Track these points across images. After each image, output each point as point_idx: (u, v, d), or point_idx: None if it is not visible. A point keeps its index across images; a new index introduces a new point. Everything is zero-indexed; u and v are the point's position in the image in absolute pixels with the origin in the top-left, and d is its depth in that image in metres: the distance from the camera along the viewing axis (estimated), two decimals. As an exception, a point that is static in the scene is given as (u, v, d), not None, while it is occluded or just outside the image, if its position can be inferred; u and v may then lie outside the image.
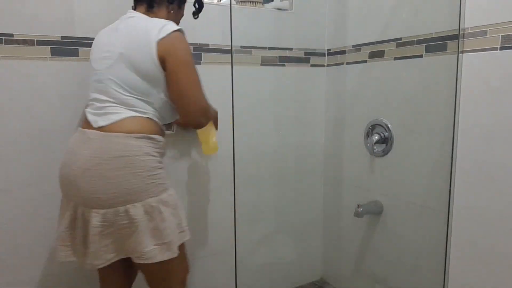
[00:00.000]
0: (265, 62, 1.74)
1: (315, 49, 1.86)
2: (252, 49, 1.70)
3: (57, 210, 1.45)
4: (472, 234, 1.28)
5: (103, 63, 1.11)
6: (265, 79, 1.76)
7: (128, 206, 1.02)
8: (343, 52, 1.78)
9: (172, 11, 1.22)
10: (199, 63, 1.58)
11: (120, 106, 1.09)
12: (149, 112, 1.12)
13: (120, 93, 1.09)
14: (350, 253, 1.85)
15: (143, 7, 1.17)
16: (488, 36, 1.19)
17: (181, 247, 1.16)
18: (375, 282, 1.72)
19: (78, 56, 1.37)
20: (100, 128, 1.07)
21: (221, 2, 1.77)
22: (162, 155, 1.15)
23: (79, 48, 1.37)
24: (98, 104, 1.11)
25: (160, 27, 1.08)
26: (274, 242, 1.90)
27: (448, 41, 1.32)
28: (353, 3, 1.72)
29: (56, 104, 1.36)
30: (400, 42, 1.49)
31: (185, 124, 1.25)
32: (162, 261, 1.07)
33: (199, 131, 1.41)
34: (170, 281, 1.19)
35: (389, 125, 1.57)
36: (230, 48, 1.60)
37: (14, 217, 1.35)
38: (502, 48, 1.15)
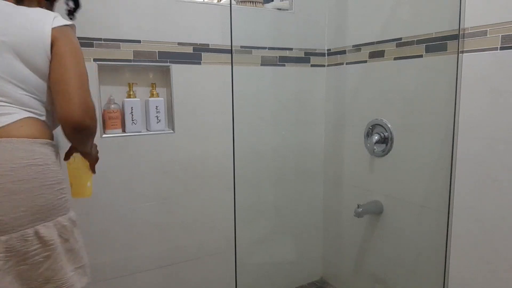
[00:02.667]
0: (265, 62, 1.74)
1: (315, 49, 1.86)
2: (252, 49, 1.70)
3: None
4: (472, 234, 1.28)
5: None
6: (265, 79, 1.76)
7: (38, 226, 0.83)
8: (343, 52, 1.78)
9: (43, 7, 1.03)
10: (199, 63, 1.58)
11: (13, 105, 0.89)
12: (44, 114, 0.94)
13: (13, 90, 0.89)
14: (350, 253, 1.85)
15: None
16: (488, 36, 1.19)
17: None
18: (375, 282, 1.72)
19: (78, 56, 1.37)
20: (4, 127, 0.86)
21: (221, 2, 1.77)
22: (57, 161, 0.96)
23: (79, 48, 1.37)
24: None
25: (53, 16, 0.94)
26: (274, 242, 1.90)
27: (448, 41, 1.32)
28: (353, 3, 1.72)
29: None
30: (400, 42, 1.49)
31: (64, 123, 0.90)
32: None
33: (71, 168, 1.09)
34: None
35: (389, 125, 1.57)
36: (230, 48, 1.60)
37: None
38: (502, 48, 1.15)
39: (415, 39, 1.43)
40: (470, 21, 1.23)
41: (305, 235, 1.99)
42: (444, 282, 1.37)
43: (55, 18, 0.93)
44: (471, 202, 1.27)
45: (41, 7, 1.01)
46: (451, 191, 1.32)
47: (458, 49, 1.26)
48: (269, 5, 1.77)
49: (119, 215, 1.51)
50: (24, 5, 0.97)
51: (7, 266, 0.81)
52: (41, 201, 0.84)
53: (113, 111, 1.47)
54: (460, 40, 1.25)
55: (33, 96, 0.92)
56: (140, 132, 1.53)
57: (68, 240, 0.90)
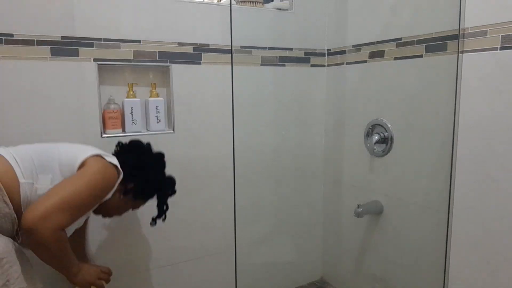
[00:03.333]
0: (265, 62, 1.74)
1: (315, 49, 1.86)
2: (252, 49, 1.70)
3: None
4: (472, 234, 1.28)
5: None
6: (265, 79, 1.76)
7: None
8: (343, 52, 1.78)
9: (119, 191, 1.16)
10: (199, 63, 1.58)
11: (9, 149, 1.02)
12: (26, 179, 0.97)
13: (24, 150, 1.04)
14: (350, 253, 1.85)
15: None
16: (488, 36, 1.19)
17: None
18: (375, 282, 1.72)
19: (78, 56, 1.37)
20: None
21: (221, 2, 1.77)
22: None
23: (79, 48, 1.37)
24: None
25: (103, 152, 1.09)
26: (274, 242, 1.90)
27: (448, 41, 1.32)
28: (353, 3, 1.72)
29: (56, 104, 1.36)
30: (400, 42, 1.49)
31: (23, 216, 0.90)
32: None
33: None
34: None
35: (389, 125, 1.57)
36: (230, 48, 1.60)
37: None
38: (502, 48, 1.15)
39: (415, 39, 1.43)
40: (470, 21, 1.23)
41: (305, 235, 1.99)
42: (444, 282, 1.37)
43: (106, 154, 1.09)
44: (471, 202, 1.27)
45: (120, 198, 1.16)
46: (451, 191, 1.32)
47: (458, 49, 1.26)
48: (269, 5, 1.77)
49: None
50: None
51: None
52: None
53: (113, 111, 1.47)
54: (460, 40, 1.25)
55: (34, 164, 1.00)
56: (140, 132, 1.53)
57: None
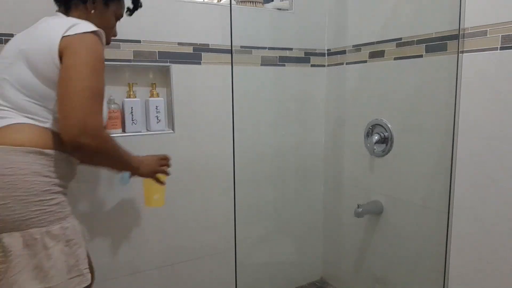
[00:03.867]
0: (265, 62, 1.74)
1: (315, 49, 1.86)
2: (252, 49, 1.70)
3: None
4: (472, 234, 1.28)
5: (2, 62, 0.95)
6: (265, 79, 1.76)
7: (3, 234, 0.83)
8: (343, 52, 1.78)
9: (93, 11, 1.04)
10: (199, 63, 1.58)
11: (13, 110, 0.91)
12: (50, 121, 0.92)
13: (15, 95, 0.91)
14: (350, 253, 1.85)
15: (62, 8, 1.04)
16: (488, 36, 1.19)
17: None
18: (375, 282, 1.72)
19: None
20: None
21: (221, 2, 1.77)
22: (62, 176, 0.93)
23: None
24: None
25: (69, 25, 0.91)
26: (274, 242, 1.90)
27: (448, 41, 1.32)
28: (353, 3, 1.72)
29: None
30: (400, 42, 1.49)
31: (63, 139, 0.86)
32: None
33: (144, 182, 1.20)
34: None
35: (389, 125, 1.57)
36: (230, 48, 1.60)
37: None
38: (502, 48, 1.15)
39: (415, 39, 1.43)
40: (470, 21, 1.23)
41: (305, 235, 1.99)
42: (444, 282, 1.37)
43: (73, 27, 0.90)
44: (471, 202, 1.27)
45: (89, 11, 1.04)
46: (451, 191, 1.32)
47: (458, 49, 1.26)
48: (269, 5, 1.77)
49: (120, 215, 1.51)
50: (73, 16, 1.01)
51: None
52: (5, 212, 0.83)
53: (113, 111, 1.47)
54: (460, 40, 1.25)
55: (37, 103, 0.91)
56: (140, 132, 1.53)
57: (37, 255, 0.85)
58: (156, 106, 1.55)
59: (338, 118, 1.85)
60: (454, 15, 1.26)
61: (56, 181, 0.91)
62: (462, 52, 1.26)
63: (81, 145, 0.85)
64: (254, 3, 1.71)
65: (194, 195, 1.64)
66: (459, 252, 1.32)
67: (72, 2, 1.02)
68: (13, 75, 0.91)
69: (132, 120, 1.51)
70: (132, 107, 1.50)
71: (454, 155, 1.30)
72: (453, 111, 1.29)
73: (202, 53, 1.58)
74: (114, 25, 1.14)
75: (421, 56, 1.42)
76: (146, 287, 1.61)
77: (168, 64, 1.53)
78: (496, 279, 1.23)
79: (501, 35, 1.15)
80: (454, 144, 1.30)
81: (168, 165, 1.25)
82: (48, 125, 0.92)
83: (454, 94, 1.28)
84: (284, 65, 1.78)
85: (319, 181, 1.98)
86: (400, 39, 1.49)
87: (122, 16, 1.16)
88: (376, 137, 1.58)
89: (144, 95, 1.56)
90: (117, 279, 1.54)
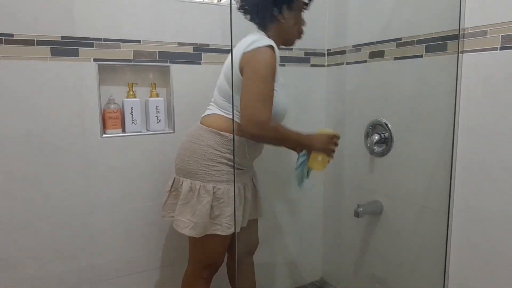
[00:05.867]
0: (265, 62, 1.73)
1: (315, 49, 1.86)
2: (252, 49, 1.70)
3: (58, 209, 1.45)
4: (472, 234, 1.28)
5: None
6: (265, 79, 1.76)
7: (183, 179, 1.27)
8: (343, 52, 1.78)
9: (283, 20, 1.27)
10: (199, 63, 1.58)
11: (215, 105, 1.30)
12: (235, 114, 1.24)
13: (217, 95, 1.30)
14: (350, 253, 1.84)
15: (260, 27, 1.30)
16: (488, 36, 1.19)
17: (211, 240, 1.27)
18: (375, 282, 1.72)
19: (78, 56, 1.37)
20: (201, 118, 1.33)
21: (221, 2, 1.77)
22: (240, 153, 1.26)
23: (79, 48, 1.37)
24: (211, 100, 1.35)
25: (249, 42, 1.19)
26: (274, 242, 1.90)
27: (448, 41, 1.31)
28: (353, 3, 1.72)
29: (56, 104, 1.36)
30: (400, 42, 1.49)
31: (241, 128, 1.21)
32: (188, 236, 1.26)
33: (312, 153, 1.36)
34: (192, 254, 1.36)
35: (389, 125, 1.57)
36: (230, 48, 1.60)
37: (15, 217, 1.35)
38: (502, 48, 1.15)
39: (415, 39, 1.43)
40: (470, 21, 1.23)
41: (305, 235, 1.99)
42: (444, 282, 1.37)
43: (252, 44, 1.19)
44: (471, 202, 1.27)
45: (274, 23, 1.28)
46: (451, 191, 1.32)
47: (458, 49, 1.26)
48: (269, 5, 1.77)
49: (119, 215, 1.51)
50: (270, 28, 1.28)
51: (172, 194, 1.33)
52: (185, 164, 1.26)
53: (113, 111, 1.47)
54: (460, 40, 1.25)
55: (227, 101, 1.25)
56: (140, 132, 1.53)
57: (192, 197, 1.23)
58: (156, 106, 1.55)
59: (338, 118, 1.85)
60: (454, 15, 1.26)
61: (225, 155, 1.24)
62: (462, 52, 1.26)
63: (252, 134, 1.20)
64: (254, 3, 1.71)
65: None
66: (459, 252, 1.32)
67: (265, 20, 1.28)
68: (218, 80, 1.31)
69: (132, 120, 1.51)
70: (132, 107, 1.50)
71: (454, 155, 1.30)
72: (453, 111, 1.29)
73: (202, 53, 1.58)
74: (300, 18, 1.33)
75: (421, 56, 1.42)
76: (146, 287, 1.61)
77: (168, 64, 1.53)
78: (496, 279, 1.23)
79: (501, 35, 1.15)
80: (454, 144, 1.30)
81: (337, 144, 1.37)
82: (231, 116, 1.24)
83: (454, 94, 1.28)
84: (284, 65, 1.78)
85: (319, 181, 1.98)
86: (400, 39, 1.49)
87: (305, 7, 1.33)
88: (376, 137, 1.58)
89: (144, 95, 1.56)
90: (117, 279, 1.54)
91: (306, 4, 1.33)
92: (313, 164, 1.36)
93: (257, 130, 1.18)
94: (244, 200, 1.33)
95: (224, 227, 1.25)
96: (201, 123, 1.30)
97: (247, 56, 1.18)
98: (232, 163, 1.25)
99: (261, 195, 1.48)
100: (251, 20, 1.31)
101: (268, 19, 1.27)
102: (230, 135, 1.23)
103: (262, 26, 1.29)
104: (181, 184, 1.27)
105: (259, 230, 1.58)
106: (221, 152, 1.24)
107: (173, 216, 1.30)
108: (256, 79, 1.16)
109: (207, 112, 1.32)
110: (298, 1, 1.30)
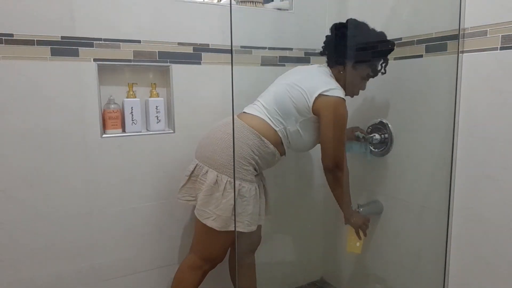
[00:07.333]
0: (265, 62, 1.73)
1: (315, 49, 1.86)
2: (252, 49, 1.70)
3: (58, 209, 1.45)
4: (472, 234, 1.28)
5: (280, 78, 1.48)
6: (265, 79, 1.75)
7: (208, 168, 1.30)
8: (343, 52, 1.78)
9: (341, 72, 1.42)
10: (199, 63, 1.58)
11: (262, 109, 1.38)
12: (279, 127, 1.36)
13: (270, 104, 1.38)
14: (350, 253, 1.84)
15: (329, 62, 1.47)
16: (488, 36, 1.19)
17: (227, 236, 1.32)
18: (375, 282, 1.72)
19: (78, 56, 1.37)
20: (241, 113, 1.41)
21: (221, 2, 1.77)
22: (262, 158, 1.35)
23: (79, 48, 1.37)
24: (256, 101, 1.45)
25: (328, 87, 1.32)
26: (274, 242, 1.90)
27: (448, 41, 1.32)
28: (353, 3, 1.72)
29: (56, 104, 1.36)
30: (400, 42, 1.49)
31: (322, 162, 1.41)
32: (205, 225, 1.30)
33: (349, 231, 1.58)
34: (200, 245, 1.40)
35: (389, 125, 1.57)
36: (230, 48, 1.60)
37: (15, 217, 1.35)
38: (502, 48, 1.15)
39: (415, 39, 1.43)
40: (470, 21, 1.23)
41: (305, 235, 1.99)
42: (444, 282, 1.37)
43: (330, 90, 1.32)
44: (471, 202, 1.27)
45: (339, 71, 1.43)
46: (451, 191, 1.32)
47: (458, 49, 1.26)
48: (269, 5, 1.77)
49: (119, 215, 1.51)
50: (334, 69, 1.44)
51: (191, 179, 1.37)
52: (215, 155, 1.30)
53: (113, 111, 1.47)
54: (460, 40, 1.25)
55: (281, 115, 1.36)
56: (140, 132, 1.53)
57: (217, 190, 1.28)
58: (156, 106, 1.55)
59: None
60: (454, 15, 1.26)
61: (256, 158, 1.33)
62: (462, 52, 1.26)
63: (329, 169, 1.39)
64: (254, 3, 1.71)
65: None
66: (459, 252, 1.32)
67: (333, 63, 1.44)
68: (281, 90, 1.38)
69: (132, 120, 1.51)
70: (132, 107, 1.50)
71: (454, 155, 1.30)
72: (453, 111, 1.29)
73: (202, 53, 1.58)
74: (360, 83, 1.47)
75: (421, 56, 1.42)
76: (146, 287, 1.61)
77: (168, 64, 1.53)
78: (496, 279, 1.23)
79: (501, 35, 1.15)
80: (454, 144, 1.30)
81: (367, 227, 1.56)
82: (277, 129, 1.36)
83: (454, 94, 1.28)
84: (284, 65, 1.78)
85: (319, 181, 1.98)
86: (400, 39, 1.49)
87: (369, 77, 1.46)
88: (376, 137, 1.58)
89: (144, 95, 1.56)
90: (117, 279, 1.54)
91: (376, 74, 1.45)
92: (352, 248, 1.59)
93: (333, 165, 1.37)
94: (260, 200, 1.39)
95: (246, 225, 1.31)
96: (241, 119, 1.35)
97: (326, 101, 1.31)
98: (257, 166, 1.34)
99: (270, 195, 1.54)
100: (321, 54, 1.50)
101: (342, 63, 1.42)
102: (270, 143, 1.34)
103: (330, 65, 1.45)
104: (205, 173, 1.30)
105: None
106: (254, 154, 1.32)
107: (188, 200, 1.38)
108: (338, 130, 1.34)
109: (251, 111, 1.39)
110: (365, 68, 1.43)
